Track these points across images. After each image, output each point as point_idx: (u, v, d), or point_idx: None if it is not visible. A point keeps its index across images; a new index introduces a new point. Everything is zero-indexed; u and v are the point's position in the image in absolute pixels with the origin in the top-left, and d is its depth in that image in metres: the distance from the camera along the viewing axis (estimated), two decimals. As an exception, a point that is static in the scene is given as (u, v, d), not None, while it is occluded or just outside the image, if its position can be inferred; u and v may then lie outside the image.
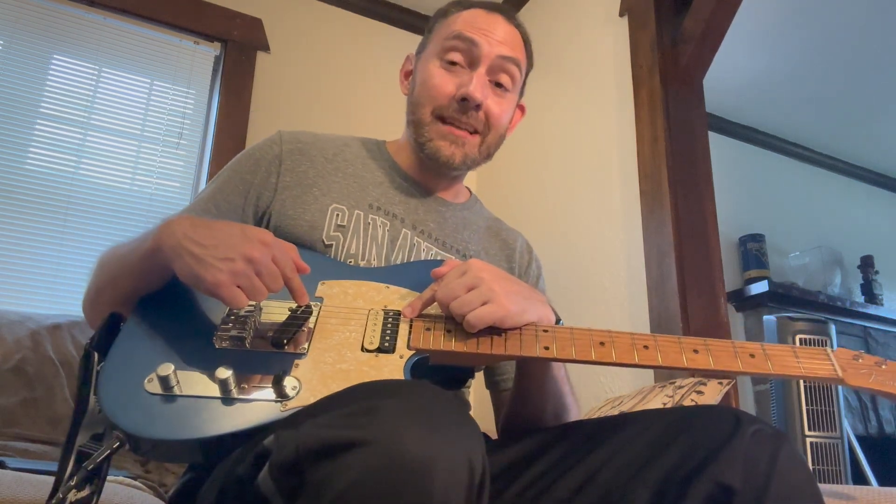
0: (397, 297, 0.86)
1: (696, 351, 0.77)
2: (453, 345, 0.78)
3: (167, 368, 0.71)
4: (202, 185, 2.35)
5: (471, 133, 1.03)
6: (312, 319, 0.81)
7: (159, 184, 2.32)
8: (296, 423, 0.58)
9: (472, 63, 1.02)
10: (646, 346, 0.78)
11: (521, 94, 1.12)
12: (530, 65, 1.11)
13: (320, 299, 0.85)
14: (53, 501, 0.65)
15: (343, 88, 2.66)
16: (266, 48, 2.55)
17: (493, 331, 0.78)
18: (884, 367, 0.81)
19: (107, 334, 0.78)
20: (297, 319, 0.80)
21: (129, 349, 0.77)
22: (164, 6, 2.41)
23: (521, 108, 1.15)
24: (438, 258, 1.02)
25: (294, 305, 0.82)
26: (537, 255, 1.18)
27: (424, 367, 0.79)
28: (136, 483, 1.27)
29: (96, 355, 0.75)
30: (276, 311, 0.82)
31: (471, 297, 0.78)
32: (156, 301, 0.83)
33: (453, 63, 1.02)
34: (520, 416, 0.96)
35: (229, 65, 2.47)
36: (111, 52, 2.35)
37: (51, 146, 2.20)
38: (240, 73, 2.48)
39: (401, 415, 0.53)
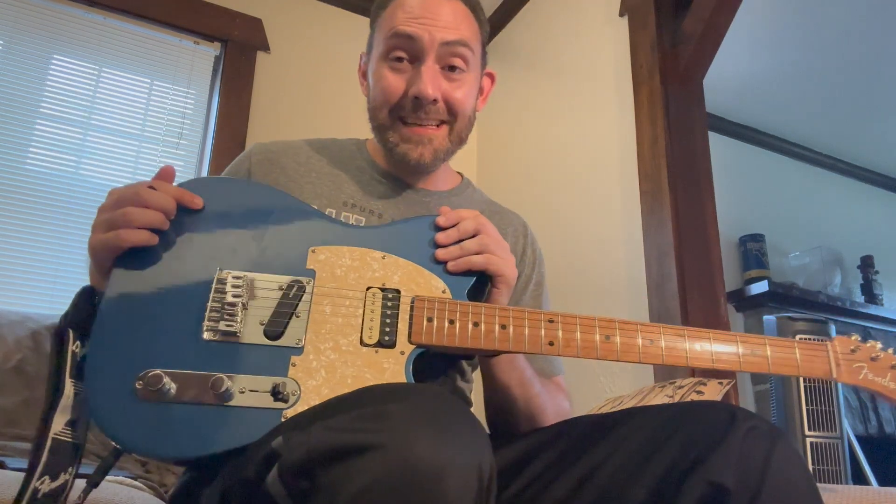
0: (395, 271, 0.82)
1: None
2: (456, 340, 0.77)
3: (159, 377, 0.68)
4: (202, 185, 2.35)
5: (437, 126, 1.00)
6: (306, 304, 0.77)
7: (159, 184, 2.32)
8: (305, 425, 0.58)
9: (417, 58, 0.97)
10: (651, 342, 0.78)
11: (484, 63, 1.08)
12: (485, 31, 1.05)
13: (312, 273, 0.80)
14: (28, 494, 0.64)
15: (343, 88, 2.66)
16: (266, 48, 2.55)
17: (499, 325, 0.78)
18: (878, 360, 0.81)
19: (82, 311, 0.76)
20: (290, 301, 0.77)
21: (113, 342, 0.72)
22: (164, 6, 2.41)
23: (490, 76, 1.10)
24: None
25: (285, 283, 0.78)
26: (534, 238, 1.15)
27: (424, 352, 0.78)
28: (136, 483, 1.27)
29: (71, 333, 0.72)
30: (266, 290, 0.78)
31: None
32: (133, 279, 0.77)
33: (399, 60, 0.98)
34: (495, 423, 0.96)
35: (229, 65, 2.47)
36: (111, 52, 2.35)
37: (51, 146, 2.20)
38: (240, 73, 2.48)
39: (411, 419, 0.53)
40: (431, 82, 0.96)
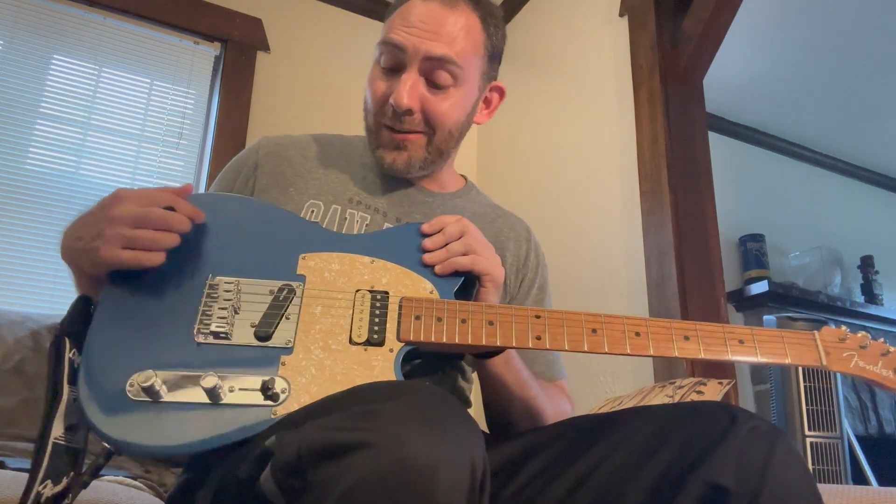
0: (384, 274, 0.84)
1: (686, 338, 0.80)
2: (444, 336, 0.78)
3: (150, 377, 0.69)
4: (202, 186, 2.35)
5: (414, 135, 0.99)
6: (296, 307, 0.78)
7: (159, 184, 2.32)
8: (297, 423, 0.58)
9: (401, 67, 0.97)
10: (637, 334, 0.79)
11: (492, 76, 1.06)
12: (495, 43, 1.03)
13: (302, 278, 0.81)
14: (31, 499, 0.65)
15: (343, 88, 2.66)
16: (266, 48, 2.55)
17: (486, 321, 0.79)
18: (868, 348, 0.82)
19: (78, 319, 0.77)
20: (281, 304, 0.78)
21: (106, 347, 0.74)
22: (164, 6, 2.41)
23: (499, 90, 1.09)
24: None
25: (276, 287, 0.80)
26: (538, 243, 1.14)
27: (416, 351, 0.79)
28: (136, 483, 1.27)
29: (67, 341, 0.73)
30: (257, 294, 0.79)
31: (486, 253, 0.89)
32: (127, 288, 0.79)
33: (388, 68, 0.99)
34: (494, 425, 0.96)
35: (229, 65, 2.47)
36: (111, 52, 2.35)
37: (51, 146, 2.20)
38: (240, 73, 2.48)
39: (403, 417, 0.54)
40: (407, 93, 0.95)
